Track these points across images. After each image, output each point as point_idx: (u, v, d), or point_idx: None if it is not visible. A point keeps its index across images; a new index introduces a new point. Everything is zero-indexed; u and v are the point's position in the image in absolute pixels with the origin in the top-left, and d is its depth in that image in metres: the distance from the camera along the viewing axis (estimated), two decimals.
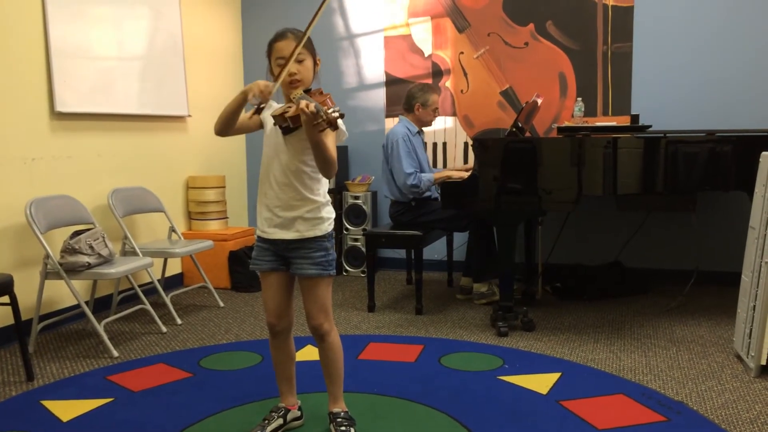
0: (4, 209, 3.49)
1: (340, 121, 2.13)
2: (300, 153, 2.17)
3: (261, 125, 2.25)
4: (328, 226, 2.25)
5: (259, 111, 2.12)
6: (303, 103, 1.98)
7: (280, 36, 2.18)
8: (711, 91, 4.47)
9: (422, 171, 4.19)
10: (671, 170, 3.45)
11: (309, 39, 2.18)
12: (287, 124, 2.07)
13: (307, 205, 2.20)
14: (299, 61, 2.15)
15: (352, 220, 5.11)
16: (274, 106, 2.24)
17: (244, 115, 2.22)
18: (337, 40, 5.32)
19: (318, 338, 2.30)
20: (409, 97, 4.27)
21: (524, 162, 3.43)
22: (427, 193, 4.17)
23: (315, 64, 2.22)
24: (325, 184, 2.26)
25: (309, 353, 3.18)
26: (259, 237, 2.28)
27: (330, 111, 1.95)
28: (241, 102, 2.12)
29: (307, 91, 2.14)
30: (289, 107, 2.06)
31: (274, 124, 2.13)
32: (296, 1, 5.37)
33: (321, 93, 2.14)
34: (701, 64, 4.49)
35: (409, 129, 4.20)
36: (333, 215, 2.28)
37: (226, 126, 2.17)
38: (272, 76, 2.21)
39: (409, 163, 4.08)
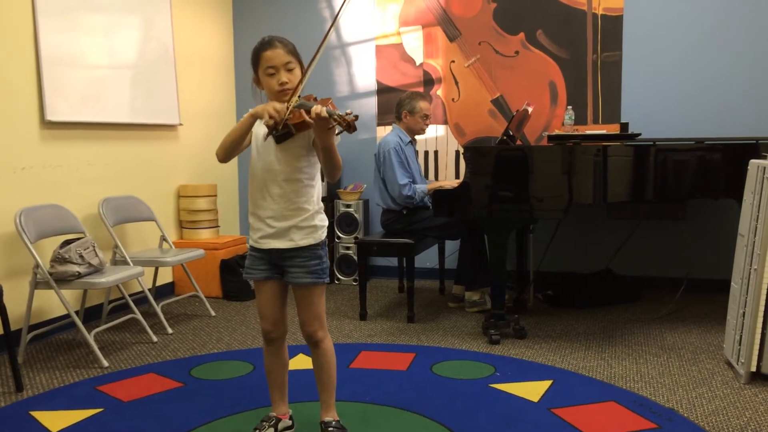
0: None
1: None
2: (295, 160, 2.16)
3: (250, 140, 2.24)
4: (322, 234, 2.25)
5: (274, 133, 2.06)
6: (315, 109, 1.96)
7: (267, 45, 2.15)
8: (700, 99, 4.51)
9: (414, 181, 4.20)
10: (661, 178, 3.48)
11: (294, 48, 2.18)
12: (288, 131, 2.07)
13: (302, 214, 2.19)
14: (289, 70, 2.15)
15: (344, 229, 5.11)
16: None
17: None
18: (329, 48, 5.33)
19: (312, 345, 2.30)
20: (397, 105, 4.29)
21: (515, 170, 3.44)
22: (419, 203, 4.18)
23: (302, 72, 2.19)
24: (318, 192, 2.26)
25: (301, 362, 3.17)
26: (252, 247, 2.28)
27: (344, 114, 1.95)
28: (249, 126, 2.13)
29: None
30: (287, 111, 2.05)
31: (269, 134, 2.11)
32: (288, 10, 5.39)
33: (315, 99, 2.13)
34: (690, 73, 4.53)
35: (401, 138, 4.21)
36: (326, 223, 2.28)
37: (234, 151, 2.19)
38: (257, 85, 2.21)
39: (402, 173, 4.09)
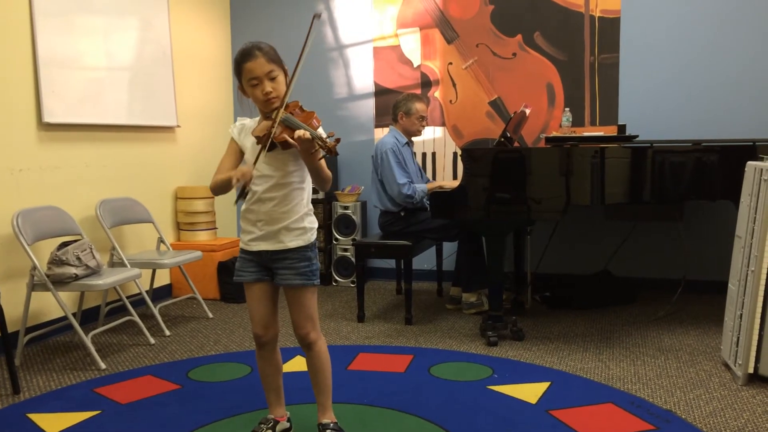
0: None
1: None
2: (284, 165, 2.17)
3: (242, 153, 2.24)
4: (311, 236, 2.25)
5: (243, 195, 2.11)
6: (299, 133, 1.98)
7: (247, 56, 2.11)
8: (697, 101, 4.52)
9: (412, 182, 4.20)
10: (658, 180, 3.48)
11: (275, 53, 2.16)
12: (276, 149, 2.07)
13: (291, 216, 2.20)
14: (272, 79, 2.12)
15: (342, 231, 5.11)
16: (248, 125, 2.23)
17: (234, 162, 2.22)
18: (326, 50, 5.33)
19: (305, 347, 2.30)
20: (394, 107, 4.30)
21: (513, 172, 3.45)
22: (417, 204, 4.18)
23: (285, 76, 2.18)
24: (308, 194, 2.27)
25: (297, 364, 3.17)
26: (242, 249, 2.28)
27: (326, 137, 1.97)
28: (230, 184, 2.12)
29: (285, 107, 2.11)
30: (273, 127, 2.05)
31: (258, 143, 2.11)
32: (285, 12, 5.39)
33: (301, 108, 2.13)
34: (687, 75, 4.53)
35: (397, 139, 4.22)
36: (316, 225, 2.28)
37: (224, 193, 2.19)
38: (243, 94, 2.21)
39: (401, 173, 4.10)
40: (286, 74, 2.18)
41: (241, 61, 2.14)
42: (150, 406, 2.76)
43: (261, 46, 2.14)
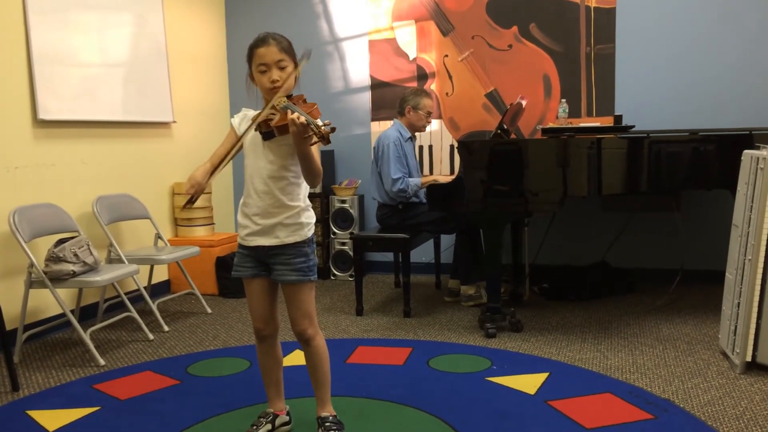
0: None
1: None
2: (281, 158, 2.16)
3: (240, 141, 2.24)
4: (308, 232, 2.24)
5: (190, 202, 2.13)
6: (294, 115, 1.97)
7: (261, 41, 2.15)
8: (693, 90, 4.52)
9: (410, 176, 4.20)
10: (655, 170, 3.48)
11: (290, 45, 2.18)
12: (270, 131, 2.07)
13: (287, 212, 2.19)
14: (281, 68, 2.14)
15: (339, 224, 5.11)
16: (250, 115, 2.23)
17: (227, 149, 2.22)
18: (322, 44, 5.32)
19: (303, 343, 2.29)
20: (402, 100, 4.29)
21: (510, 164, 3.44)
22: (414, 199, 4.18)
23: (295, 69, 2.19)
24: (305, 189, 2.25)
25: (297, 358, 3.16)
26: (240, 244, 2.28)
27: (321, 125, 1.95)
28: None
29: (289, 97, 2.13)
30: (273, 114, 2.05)
31: (256, 130, 2.11)
32: (280, 7, 5.37)
33: (304, 101, 2.13)
34: (683, 64, 4.53)
35: (401, 133, 4.22)
36: (313, 220, 2.27)
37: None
38: (252, 81, 2.21)
39: (397, 168, 4.09)
40: (296, 68, 2.18)
41: (254, 46, 2.16)
42: (149, 401, 2.76)
43: (276, 36, 2.16)
